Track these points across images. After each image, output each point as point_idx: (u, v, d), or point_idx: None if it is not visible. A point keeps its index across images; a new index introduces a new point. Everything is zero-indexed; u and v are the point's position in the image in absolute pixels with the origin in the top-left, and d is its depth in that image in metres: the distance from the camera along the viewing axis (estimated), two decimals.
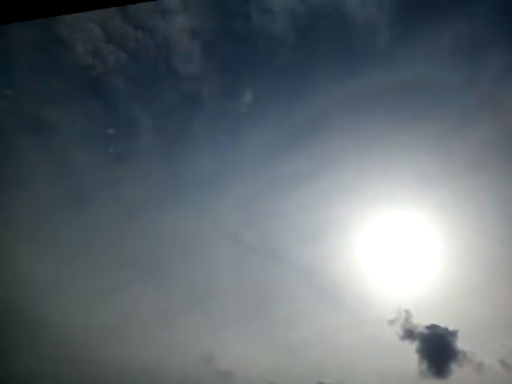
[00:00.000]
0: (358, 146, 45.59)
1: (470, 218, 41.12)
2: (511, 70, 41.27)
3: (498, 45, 41.31)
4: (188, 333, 39.68)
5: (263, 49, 46.69)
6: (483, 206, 41.36)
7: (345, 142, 45.58)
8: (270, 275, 45.05)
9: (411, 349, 33.95)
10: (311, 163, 46.09)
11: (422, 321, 34.32)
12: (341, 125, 45.30)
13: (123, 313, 40.17)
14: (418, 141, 41.97)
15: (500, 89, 41.83)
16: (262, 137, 45.43)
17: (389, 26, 43.04)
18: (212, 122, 46.31)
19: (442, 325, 33.71)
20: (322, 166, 45.81)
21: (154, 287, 42.90)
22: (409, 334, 34.28)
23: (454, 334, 33.27)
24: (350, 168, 44.88)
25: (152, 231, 44.54)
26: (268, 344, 39.26)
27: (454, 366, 32.79)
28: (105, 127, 42.17)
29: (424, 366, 33.03)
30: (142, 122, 45.30)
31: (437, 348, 33.21)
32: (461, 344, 32.91)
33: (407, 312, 34.80)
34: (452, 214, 41.42)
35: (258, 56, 46.60)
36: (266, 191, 47.52)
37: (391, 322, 35.13)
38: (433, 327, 33.91)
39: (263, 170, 47.03)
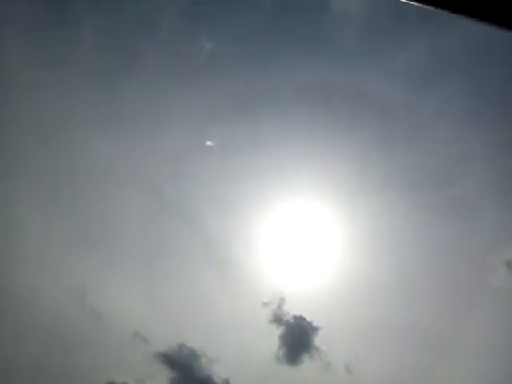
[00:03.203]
0: (293, 133, 46.05)
1: (373, 224, 43.00)
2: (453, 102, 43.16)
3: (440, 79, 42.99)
4: (69, 266, 39.15)
5: (237, 6, 45.60)
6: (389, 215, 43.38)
7: (282, 126, 45.84)
8: (174, 230, 45.15)
9: (275, 333, 35.33)
10: (245, 135, 46.06)
11: (292, 310, 35.71)
12: (283, 108, 45.39)
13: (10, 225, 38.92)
14: (343, 145, 43.14)
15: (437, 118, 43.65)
16: (207, 92, 44.64)
17: (359, 30, 43.28)
18: (164, 57, 44.80)
19: (309, 319, 35.24)
20: (255, 142, 45.93)
21: (53, 209, 41.64)
22: (277, 319, 35.58)
23: (316, 329, 34.93)
24: (281, 151, 45.31)
25: (72, 152, 42.92)
26: (145, 296, 39.53)
27: (306, 358, 34.53)
28: (47, 27, 39.79)
29: (281, 352, 34.52)
30: (93, 33, 42.90)
31: (297, 338, 34.75)
32: (318, 341, 34.64)
33: (282, 299, 36.02)
34: (356, 219, 43.13)
35: (229, 11, 45.43)
36: (199, 149, 47.04)
37: (265, 305, 36.28)
38: (300, 318, 35.41)
39: (200, 125, 46.39)
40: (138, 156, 43.62)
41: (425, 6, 2.38)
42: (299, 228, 43.35)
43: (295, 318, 35.45)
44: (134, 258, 41.81)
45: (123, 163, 43.40)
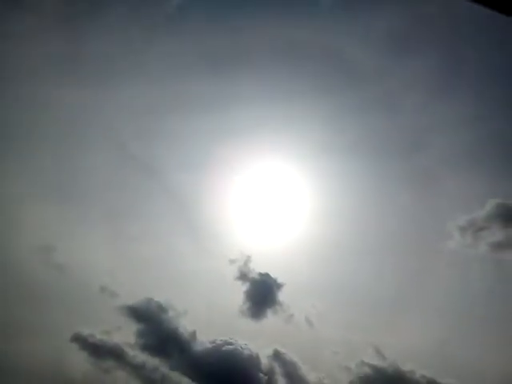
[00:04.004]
0: (266, 94, 45.97)
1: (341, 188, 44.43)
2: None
3: None
4: (34, 222, 38.56)
5: None
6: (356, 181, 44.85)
7: (254, 85, 45.56)
8: (142, 188, 44.99)
9: (241, 289, 36.55)
10: (217, 93, 45.56)
11: (257, 268, 36.92)
12: (256, 67, 45.01)
13: None
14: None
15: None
16: (177, 46, 43.46)
17: None
18: (133, 9, 43.07)
19: (273, 276, 36.59)
20: (227, 100, 45.57)
21: (17, 164, 40.45)
22: (243, 276, 36.74)
23: (280, 286, 36.36)
24: (252, 111, 45.21)
25: (36, 108, 41.29)
26: (114, 252, 39.68)
27: (269, 313, 36.09)
28: None
29: (246, 307, 35.87)
30: None
31: (262, 294, 36.13)
32: (282, 296, 36.17)
33: (248, 257, 37.11)
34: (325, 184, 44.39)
35: None
36: (167, 106, 46.25)
37: (232, 262, 37.30)
38: (265, 275, 36.69)
39: (169, 80, 45.35)
40: (106, 112, 42.54)
41: None
42: (266, 188, 44.24)
43: (260, 274, 36.74)
44: (102, 215, 41.61)
45: (89, 118, 42.27)
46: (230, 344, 33.69)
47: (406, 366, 33.05)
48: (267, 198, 43.50)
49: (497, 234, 36.01)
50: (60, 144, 42.73)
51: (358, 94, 44.93)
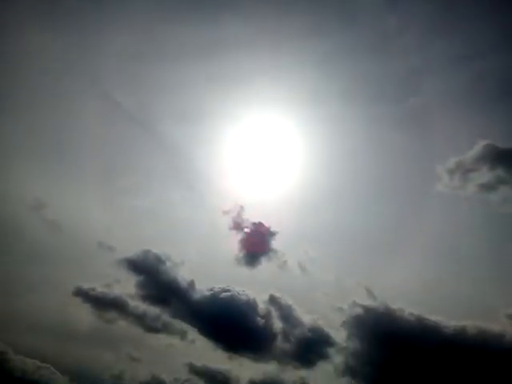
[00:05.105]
0: (255, 40, 44.31)
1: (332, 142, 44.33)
2: None
3: None
4: (25, 178, 38.17)
5: None
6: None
7: (242, 30, 43.82)
8: (133, 141, 44.40)
9: (235, 239, 37.26)
10: (204, 39, 43.83)
11: (251, 218, 37.47)
12: (243, 10, 43.04)
13: None
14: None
15: None
16: None
17: None
18: None
19: (267, 225, 37.23)
20: (214, 47, 43.97)
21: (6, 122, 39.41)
22: (237, 226, 37.31)
23: (273, 234, 37.10)
24: (242, 59, 43.84)
25: (18, 58, 39.52)
26: (108, 206, 39.82)
27: (264, 260, 37.10)
28: None
29: (241, 255, 36.74)
30: None
31: (257, 242, 36.90)
32: (276, 244, 37.03)
33: (241, 207, 37.52)
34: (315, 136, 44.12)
35: None
36: (157, 56, 44.57)
37: (225, 213, 37.71)
38: (258, 225, 37.29)
39: (153, 26, 43.38)
40: (92, 62, 40.89)
41: None
42: (257, 137, 43.93)
43: (254, 224, 37.33)
44: (93, 169, 41.26)
45: (76, 68, 40.68)
46: (228, 291, 34.87)
47: (396, 305, 34.56)
48: (258, 148, 43.38)
49: (485, 175, 36.37)
50: (46, 97, 41.42)
51: (350, 36, 43.63)
